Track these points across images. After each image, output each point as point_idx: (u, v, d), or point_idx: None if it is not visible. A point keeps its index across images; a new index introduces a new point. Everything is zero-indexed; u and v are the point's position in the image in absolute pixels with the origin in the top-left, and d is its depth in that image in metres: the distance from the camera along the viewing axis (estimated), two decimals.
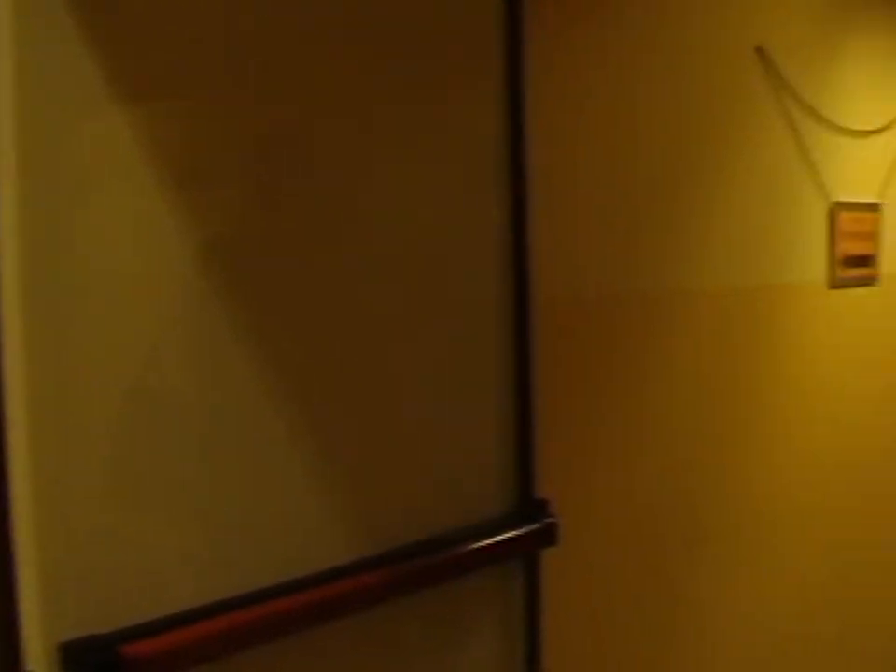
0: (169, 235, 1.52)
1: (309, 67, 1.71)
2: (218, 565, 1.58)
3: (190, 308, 1.55)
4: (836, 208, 3.30)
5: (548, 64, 2.31)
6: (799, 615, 3.27)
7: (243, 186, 1.63)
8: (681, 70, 2.75)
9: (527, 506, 2.13)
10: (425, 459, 1.92)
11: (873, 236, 3.50)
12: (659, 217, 2.68)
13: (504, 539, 2.05)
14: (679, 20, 2.75)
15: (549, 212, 2.26)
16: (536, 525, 2.12)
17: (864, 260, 3.46)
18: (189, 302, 1.55)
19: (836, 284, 3.33)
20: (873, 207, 3.50)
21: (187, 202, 1.54)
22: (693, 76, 2.79)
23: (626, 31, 2.57)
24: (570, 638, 2.45)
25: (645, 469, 2.67)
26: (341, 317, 1.76)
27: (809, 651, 3.32)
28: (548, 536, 2.14)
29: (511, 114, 2.07)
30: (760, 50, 2.99)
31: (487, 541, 2.01)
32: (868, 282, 3.50)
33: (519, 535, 2.08)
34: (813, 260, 3.27)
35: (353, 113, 1.77)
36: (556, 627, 2.30)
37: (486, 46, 2.04)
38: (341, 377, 1.76)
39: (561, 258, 2.38)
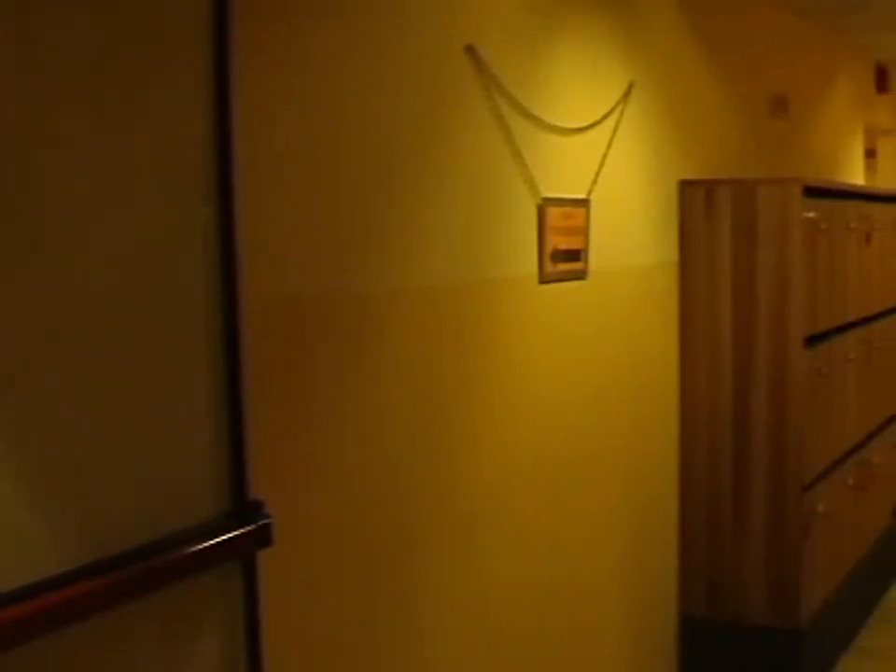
0: None
1: None
2: None
3: None
4: (545, 204, 3.49)
5: (256, 62, 2.36)
6: (511, 614, 3.43)
7: None
8: (390, 68, 2.84)
9: (242, 507, 2.16)
10: (134, 464, 1.93)
11: (582, 231, 3.72)
12: (367, 216, 2.76)
13: (219, 542, 2.07)
14: (390, 18, 2.84)
15: (256, 212, 2.30)
16: (251, 527, 2.15)
17: (574, 255, 3.67)
18: None
19: (546, 279, 3.51)
20: (581, 203, 3.72)
21: None
22: (402, 74, 2.88)
23: (335, 28, 2.64)
24: (292, 639, 2.50)
25: (355, 470, 2.74)
26: (30, 329, 1.74)
27: (524, 649, 3.50)
28: (263, 537, 2.18)
29: (217, 113, 2.09)
30: (470, 49, 3.12)
31: (202, 545, 2.03)
32: (577, 276, 3.71)
33: (234, 537, 2.11)
34: (523, 256, 3.43)
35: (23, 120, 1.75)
36: (278, 628, 2.35)
37: (190, 43, 2.05)
38: (33, 380, 1.75)
39: (268, 258, 2.43)
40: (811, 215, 4.37)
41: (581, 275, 3.73)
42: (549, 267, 3.52)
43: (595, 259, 3.80)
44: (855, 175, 7.55)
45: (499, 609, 3.36)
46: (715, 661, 4.56)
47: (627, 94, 4.03)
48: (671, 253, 4.46)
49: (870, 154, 8.06)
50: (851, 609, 5.16)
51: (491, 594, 3.32)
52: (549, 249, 3.51)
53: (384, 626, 2.88)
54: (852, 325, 5.01)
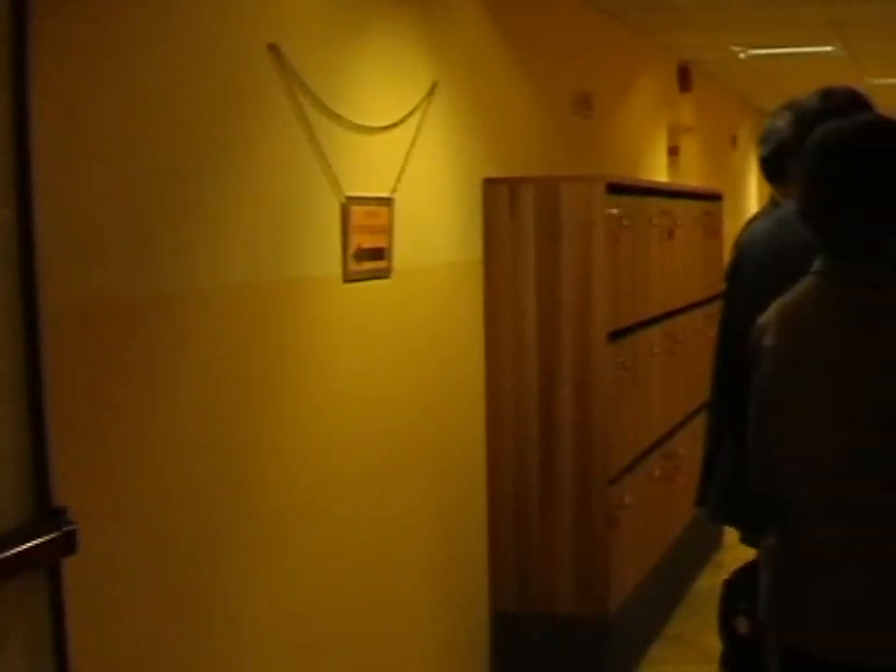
0: None
1: None
2: None
3: None
4: (349, 203, 3.59)
5: (56, 58, 2.39)
6: (322, 615, 3.51)
7: None
8: (191, 66, 2.90)
9: (45, 514, 2.16)
10: None
11: (385, 230, 3.84)
12: (170, 215, 2.82)
13: (20, 551, 2.05)
14: (190, 17, 2.90)
15: (57, 212, 2.34)
16: (54, 534, 2.14)
17: (377, 254, 3.79)
18: None
19: (350, 277, 3.61)
20: (385, 202, 3.84)
21: None
22: (205, 71, 2.95)
23: (137, 23, 2.70)
24: (101, 649, 2.53)
25: (163, 473, 2.79)
26: None
27: (336, 651, 3.59)
28: (67, 544, 2.17)
29: (14, 111, 2.09)
30: (273, 48, 3.21)
31: (2, 554, 2.01)
32: (382, 275, 3.83)
33: (36, 545, 2.10)
34: (327, 255, 3.52)
35: None
36: (86, 639, 2.35)
37: None
38: None
39: (70, 259, 2.46)
40: (614, 211, 4.59)
41: (384, 274, 3.85)
42: (353, 266, 3.62)
43: (398, 258, 3.92)
44: (658, 173, 7.89)
45: (311, 610, 3.45)
46: (527, 655, 4.73)
47: (431, 93, 4.16)
48: (475, 251, 4.62)
49: (673, 151, 8.44)
50: (659, 598, 5.42)
51: (302, 594, 3.40)
52: (353, 248, 3.61)
53: (195, 629, 2.93)
54: (656, 319, 5.26)
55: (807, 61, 8.60)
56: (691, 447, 5.46)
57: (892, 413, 2.32)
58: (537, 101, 5.39)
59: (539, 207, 4.58)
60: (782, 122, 3.08)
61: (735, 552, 3.13)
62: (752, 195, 11.66)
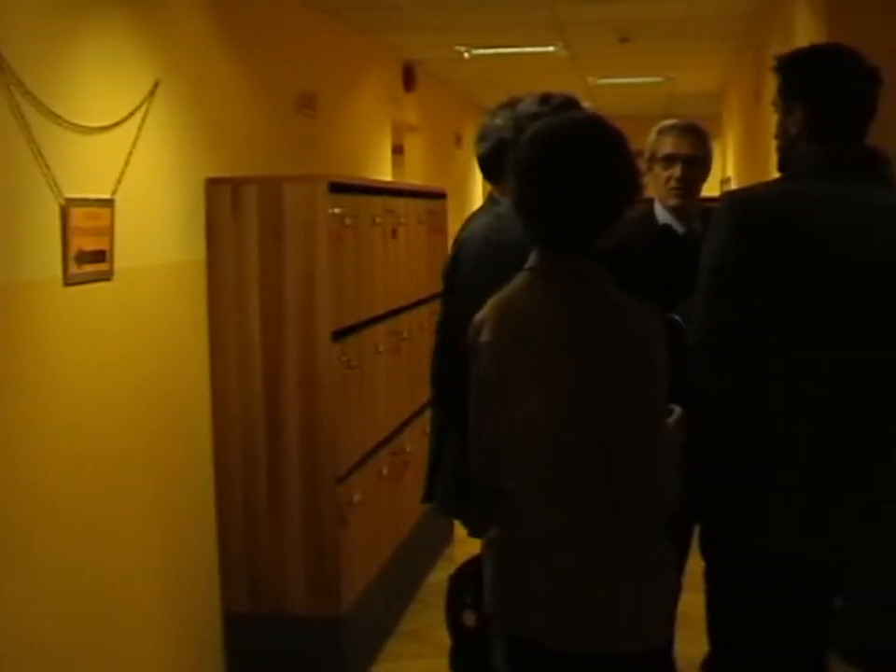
0: None
1: None
2: None
3: None
4: (69, 204, 3.64)
5: None
6: (53, 616, 3.56)
7: None
8: None
9: None
10: None
11: (107, 232, 3.89)
12: None
13: None
14: None
15: None
16: None
17: (99, 256, 3.85)
18: None
19: (71, 280, 3.66)
20: (106, 203, 3.90)
21: None
22: None
23: None
24: None
25: None
26: None
27: (67, 654, 3.64)
28: None
29: None
30: None
31: None
32: (104, 277, 3.88)
33: None
34: (47, 258, 3.56)
35: None
36: None
37: None
38: None
39: None
40: (337, 211, 4.74)
41: (107, 276, 3.91)
42: (74, 268, 3.67)
43: (121, 260, 3.98)
44: (383, 172, 8.09)
45: (44, 611, 3.50)
46: (261, 655, 4.84)
47: (152, 93, 4.23)
48: (199, 252, 4.71)
49: (398, 150, 8.67)
50: (393, 594, 5.59)
51: (35, 595, 3.46)
52: (73, 251, 3.66)
53: None
54: (381, 317, 5.43)
55: (531, 60, 8.89)
56: (418, 443, 5.66)
57: (599, 402, 2.45)
58: (260, 100, 5.52)
59: (261, 207, 4.69)
60: (500, 121, 3.21)
61: (465, 546, 3.24)
62: (477, 193, 11.98)
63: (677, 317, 2.99)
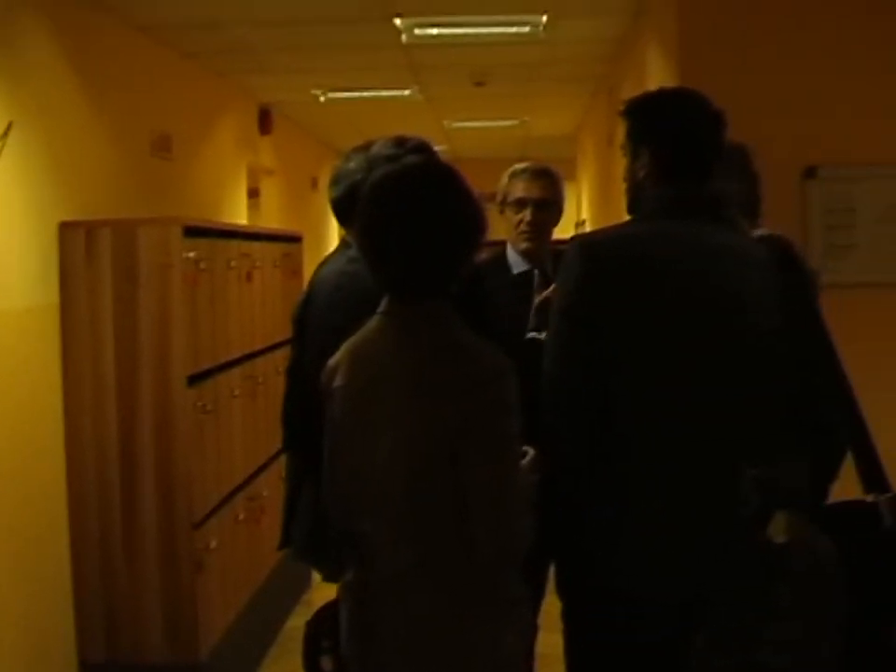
0: None
1: None
2: None
3: None
4: None
5: None
6: None
7: None
8: None
9: None
10: None
11: None
12: None
13: None
14: None
15: None
16: None
17: None
18: None
19: None
20: None
21: None
22: None
23: None
24: None
25: None
26: None
27: None
28: None
29: None
30: None
31: None
32: None
33: None
34: None
35: None
36: None
37: None
38: None
39: None
40: (192, 254, 4.74)
41: None
42: None
43: None
44: (239, 215, 8.09)
45: None
46: None
47: (5, 134, 4.19)
48: (52, 295, 4.66)
49: (253, 194, 8.66)
50: (252, 640, 5.55)
51: None
52: None
53: None
54: (236, 361, 5.42)
55: (387, 103, 8.99)
56: (275, 488, 5.64)
57: (451, 444, 2.47)
58: (115, 143, 5.49)
59: (116, 251, 4.66)
60: (354, 164, 3.20)
61: (323, 591, 3.21)
62: (333, 236, 11.97)
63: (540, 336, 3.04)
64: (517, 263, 3.93)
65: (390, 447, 2.54)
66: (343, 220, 3.30)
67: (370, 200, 2.61)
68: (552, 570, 3.16)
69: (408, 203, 2.55)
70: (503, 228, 3.95)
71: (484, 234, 2.64)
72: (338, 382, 2.63)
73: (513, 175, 3.96)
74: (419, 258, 2.54)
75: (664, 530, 2.70)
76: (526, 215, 3.89)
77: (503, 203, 3.95)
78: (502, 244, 3.98)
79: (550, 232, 3.99)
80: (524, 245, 3.91)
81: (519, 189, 3.92)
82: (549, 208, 3.94)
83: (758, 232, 3.32)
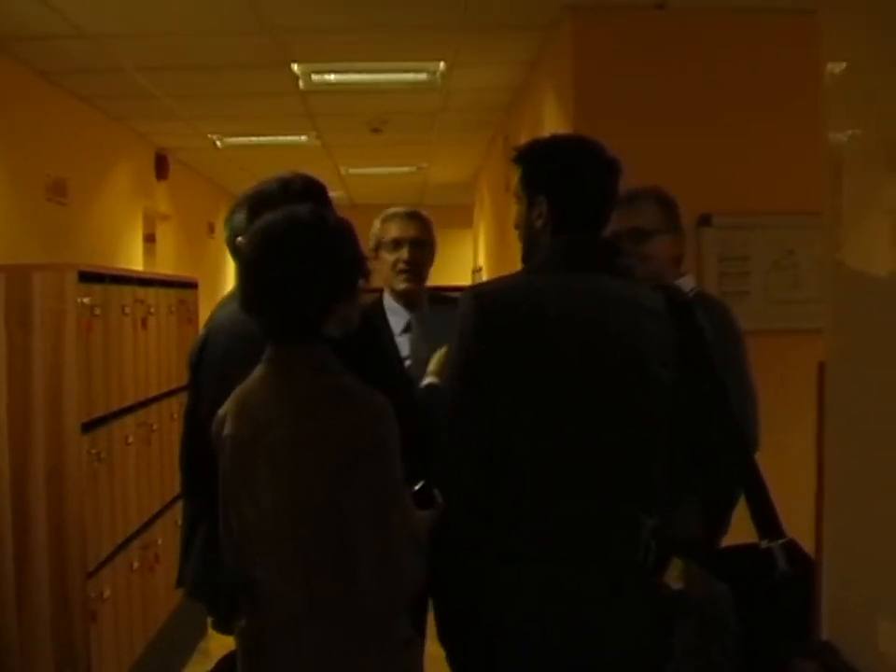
0: None
1: None
2: None
3: None
4: None
5: None
6: None
7: None
8: None
9: None
10: None
11: None
12: None
13: None
14: None
15: None
16: None
17: None
18: None
19: None
20: None
21: None
22: None
23: None
24: None
25: None
26: None
27: None
28: None
29: None
30: None
31: None
32: None
33: None
34: None
35: None
36: None
37: None
38: None
39: None
40: (86, 300, 4.72)
41: None
42: None
43: None
44: (134, 260, 8.06)
45: None
46: None
47: None
48: None
49: (149, 239, 8.64)
50: None
51: None
52: None
53: None
54: (131, 408, 5.39)
55: (285, 149, 9.07)
56: (170, 536, 5.63)
57: (333, 490, 2.51)
58: (9, 187, 5.46)
59: (9, 296, 4.61)
60: (240, 209, 3.22)
61: (221, 639, 3.22)
62: (230, 282, 11.95)
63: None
64: (394, 310, 3.97)
65: (275, 496, 2.56)
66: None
67: (246, 247, 2.67)
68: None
69: (276, 251, 2.59)
70: (378, 274, 3.94)
71: (359, 275, 2.69)
72: (226, 430, 2.65)
73: (386, 219, 4.01)
74: (285, 302, 2.58)
75: (558, 577, 2.71)
76: (403, 253, 3.93)
77: (377, 248, 3.98)
78: (381, 290, 4.03)
79: (426, 274, 4.03)
80: (402, 286, 3.94)
81: (394, 230, 3.96)
82: (424, 248, 3.99)
83: (690, 286, 3.45)
